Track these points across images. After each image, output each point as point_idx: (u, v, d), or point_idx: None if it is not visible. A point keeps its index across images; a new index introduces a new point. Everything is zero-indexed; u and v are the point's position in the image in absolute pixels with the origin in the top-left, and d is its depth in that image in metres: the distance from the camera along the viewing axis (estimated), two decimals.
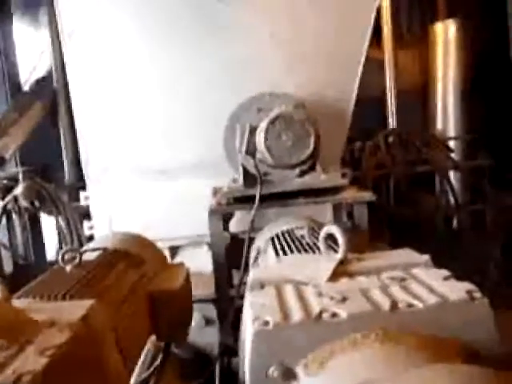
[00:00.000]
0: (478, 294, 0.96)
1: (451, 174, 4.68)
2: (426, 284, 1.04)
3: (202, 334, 2.57)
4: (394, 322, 0.93)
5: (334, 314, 0.93)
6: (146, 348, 1.88)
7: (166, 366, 1.91)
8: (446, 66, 4.84)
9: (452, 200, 4.45)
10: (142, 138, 2.82)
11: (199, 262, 2.74)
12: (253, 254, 2.10)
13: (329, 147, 2.66)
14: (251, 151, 2.08)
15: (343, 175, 2.86)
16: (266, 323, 0.92)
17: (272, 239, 1.90)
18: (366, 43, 2.96)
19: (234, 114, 2.47)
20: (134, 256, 1.83)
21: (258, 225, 2.29)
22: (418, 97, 5.15)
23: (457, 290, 0.98)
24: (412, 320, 0.93)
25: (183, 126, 2.81)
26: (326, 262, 1.18)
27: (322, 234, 1.25)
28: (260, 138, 2.01)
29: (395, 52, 4.93)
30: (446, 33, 4.84)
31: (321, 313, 0.93)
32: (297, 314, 0.94)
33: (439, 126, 4.89)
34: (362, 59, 2.94)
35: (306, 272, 1.17)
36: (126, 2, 2.69)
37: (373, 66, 5.34)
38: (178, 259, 2.95)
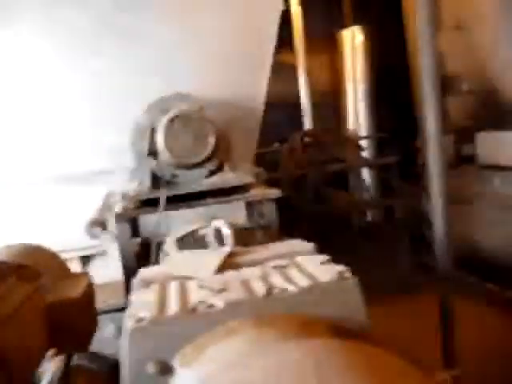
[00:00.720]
0: (347, 275, 1.01)
1: (364, 171, 4.94)
2: (304, 269, 1.08)
3: (116, 344, 2.48)
4: (270, 307, 0.96)
5: (211, 305, 0.94)
6: (47, 362, 1.78)
7: (72, 379, 1.82)
8: (355, 69, 5.11)
9: (365, 196, 4.70)
10: (42, 146, 2.68)
11: (112, 270, 2.65)
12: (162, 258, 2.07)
13: (240, 147, 2.70)
14: (153, 152, 2.05)
15: (257, 175, 2.91)
16: (142, 320, 0.91)
17: (177, 241, 1.89)
18: (273, 45, 3.03)
19: (140, 117, 2.42)
20: (29, 268, 1.73)
21: (176, 228, 2.27)
22: (331, 99, 5.38)
23: (330, 272, 1.03)
24: (287, 303, 0.97)
25: (88, 133, 2.71)
26: (213, 256, 1.19)
27: (211, 229, 1.26)
28: (160, 137, 1.99)
29: (307, 57, 5.13)
30: (352, 38, 5.11)
31: (197, 305, 0.94)
32: (173, 309, 0.94)
33: (351, 126, 5.14)
34: (269, 61, 3.01)
35: (193, 267, 1.17)
36: (19, 8, 2.55)
37: (288, 71, 5.52)
38: (90, 269, 2.84)
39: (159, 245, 2.19)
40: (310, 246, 1.27)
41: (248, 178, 2.41)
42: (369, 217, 4.90)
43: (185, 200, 2.34)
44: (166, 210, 2.25)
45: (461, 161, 4.10)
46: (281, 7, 3.03)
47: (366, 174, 4.88)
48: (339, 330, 0.93)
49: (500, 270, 3.36)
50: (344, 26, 5.17)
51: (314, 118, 5.09)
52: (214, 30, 2.82)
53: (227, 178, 2.31)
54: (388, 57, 5.11)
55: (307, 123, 5.11)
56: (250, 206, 2.75)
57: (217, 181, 2.32)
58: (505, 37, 3.40)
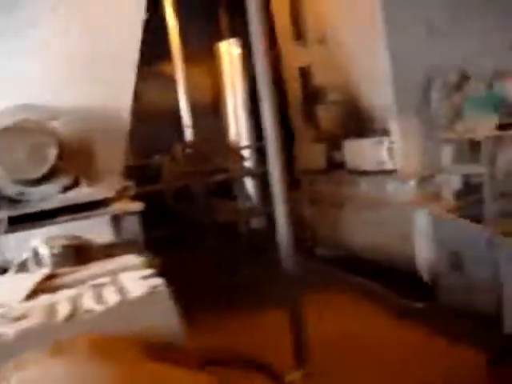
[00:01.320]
0: (160, 288, 0.99)
1: (247, 180, 5.05)
2: (121, 286, 1.04)
3: None
4: (72, 330, 0.90)
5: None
6: None
7: None
8: (233, 80, 5.22)
9: (248, 204, 4.80)
10: None
11: None
12: None
13: (106, 160, 2.57)
14: None
15: (123, 188, 2.80)
16: None
17: (19, 265, 1.73)
18: (135, 56, 2.95)
19: None
20: None
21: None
22: (211, 109, 5.43)
23: (144, 286, 1.00)
24: (91, 325, 0.91)
25: None
26: (26, 280, 1.09)
27: (30, 250, 1.16)
28: None
29: (186, 68, 5.12)
30: (229, 50, 5.22)
31: None
32: None
33: (233, 136, 5.23)
34: (133, 71, 2.93)
35: (3, 294, 1.06)
36: None
37: (168, 82, 5.46)
38: None
39: (5, 271, 2.00)
40: (139, 260, 1.23)
41: (107, 192, 2.30)
42: (253, 224, 5.01)
43: (39, 218, 2.16)
44: (14, 231, 2.05)
45: (333, 167, 4.36)
46: (142, 16, 2.97)
47: (248, 182, 4.98)
48: (147, 346, 0.90)
49: (370, 265, 3.62)
50: (222, 38, 5.26)
51: (196, 129, 5.09)
52: (70, 40, 2.67)
53: (83, 192, 2.18)
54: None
55: (188, 134, 5.09)
56: (115, 221, 2.63)
57: (71, 196, 2.17)
58: (361, 49, 3.69)
